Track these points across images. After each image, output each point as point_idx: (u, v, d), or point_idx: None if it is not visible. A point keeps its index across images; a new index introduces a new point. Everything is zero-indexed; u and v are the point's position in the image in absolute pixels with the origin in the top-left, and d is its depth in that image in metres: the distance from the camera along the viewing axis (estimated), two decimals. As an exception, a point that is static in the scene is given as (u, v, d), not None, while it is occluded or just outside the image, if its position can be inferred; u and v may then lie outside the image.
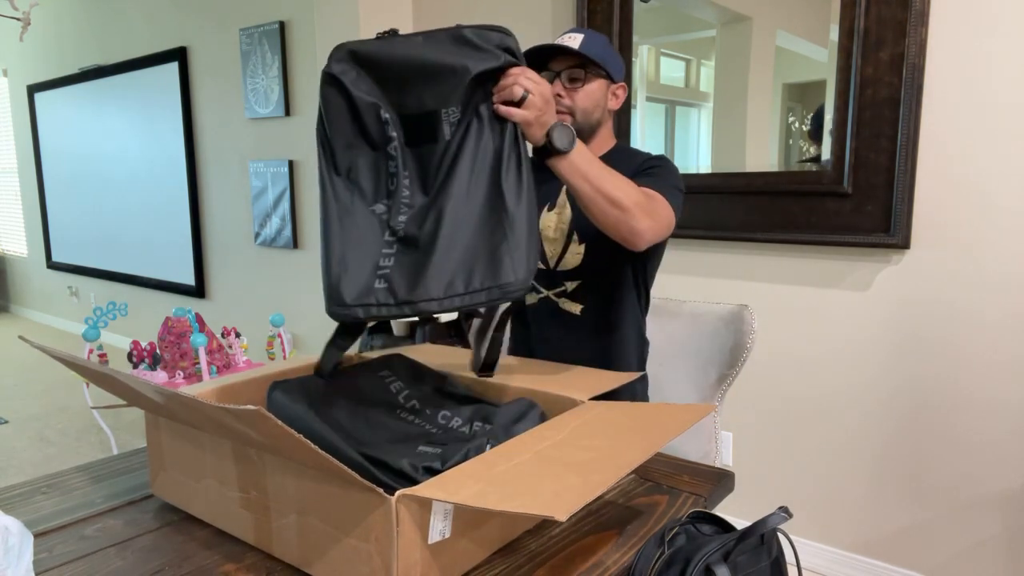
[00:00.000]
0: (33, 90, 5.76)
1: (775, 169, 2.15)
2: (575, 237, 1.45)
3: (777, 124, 2.14)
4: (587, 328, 1.48)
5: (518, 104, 1.09)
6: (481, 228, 1.06)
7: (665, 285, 2.44)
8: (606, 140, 1.52)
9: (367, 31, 2.87)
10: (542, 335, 1.53)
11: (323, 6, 2.97)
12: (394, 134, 1.12)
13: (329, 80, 1.11)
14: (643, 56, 2.40)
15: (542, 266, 1.50)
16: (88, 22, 5.01)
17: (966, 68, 1.83)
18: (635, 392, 1.53)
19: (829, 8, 2.00)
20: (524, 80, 1.09)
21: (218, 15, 3.97)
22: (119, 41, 4.77)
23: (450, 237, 1.05)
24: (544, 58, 1.42)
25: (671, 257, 2.40)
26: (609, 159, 1.46)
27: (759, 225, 2.18)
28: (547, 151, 1.16)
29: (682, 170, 2.35)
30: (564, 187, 1.48)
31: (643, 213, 1.22)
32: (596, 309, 1.48)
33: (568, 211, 1.47)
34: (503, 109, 1.09)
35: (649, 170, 1.41)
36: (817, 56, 2.04)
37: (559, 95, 1.42)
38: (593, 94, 1.43)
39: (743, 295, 2.27)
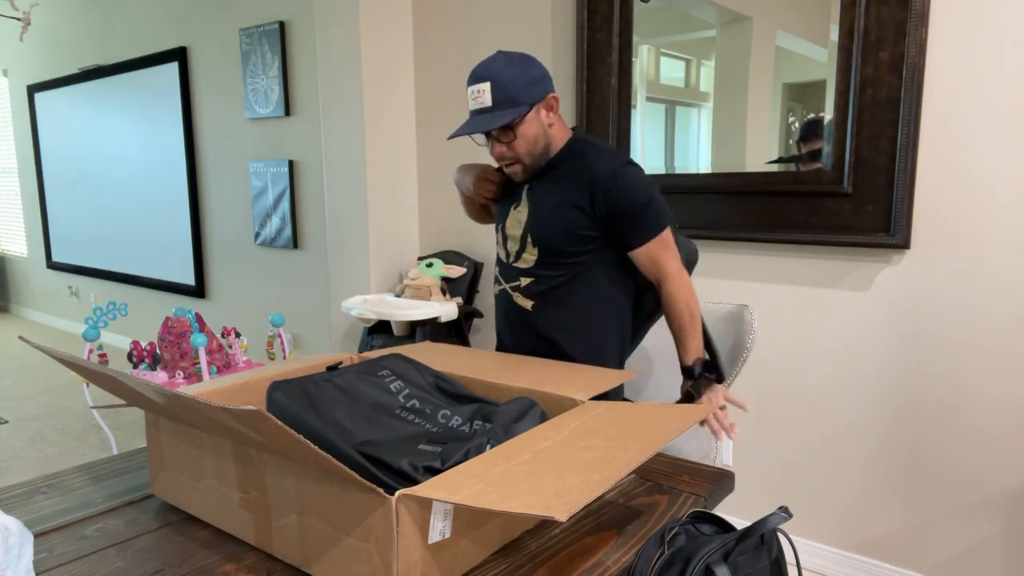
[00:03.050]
0: (33, 90, 5.76)
1: (775, 169, 2.15)
2: (530, 239, 1.50)
3: (777, 124, 2.14)
4: (536, 324, 1.52)
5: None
6: None
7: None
8: (559, 141, 1.50)
9: (367, 31, 2.87)
10: (502, 324, 1.61)
11: (323, 6, 2.97)
12: None
13: None
14: (643, 56, 2.40)
15: (504, 260, 1.57)
16: (88, 22, 5.01)
17: (966, 68, 1.83)
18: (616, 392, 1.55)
19: (829, 8, 2.00)
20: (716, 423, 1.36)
21: (218, 15, 3.97)
22: (119, 41, 4.77)
23: None
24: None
25: (671, 257, 2.40)
26: (558, 166, 1.49)
27: (759, 225, 2.18)
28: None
29: (682, 170, 2.35)
30: (525, 188, 1.54)
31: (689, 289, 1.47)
32: (544, 308, 1.51)
33: (525, 214, 1.52)
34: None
35: (636, 219, 1.43)
36: (817, 56, 2.04)
37: (502, 153, 1.45)
38: (528, 133, 1.43)
39: (743, 295, 2.27)
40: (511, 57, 1.41)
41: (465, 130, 1.41)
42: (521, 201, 1.54)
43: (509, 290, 1.55)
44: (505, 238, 1.56)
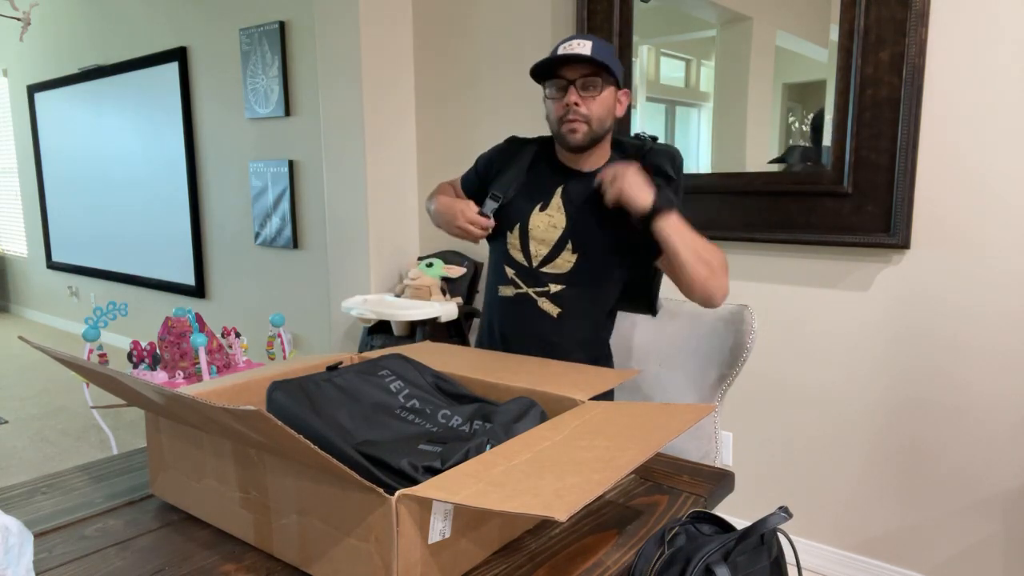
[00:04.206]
0: (33, 90, 5.76)
1: (775, 169, 2.15)
2: (569, 245, 1.47)
3: (777, 124, 2.14)
4: (560, 331, 1.50)
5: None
6: None
7: (665, 284, 2.44)
8: (605, 151, 1.53)
9: (367, 31, 2.87)
10: (512, 329, 1.55)
11: (323, 6, 2.97)
12: None
13: None
14: (643, 56, 2.40)
15: (524, 263, 1.51)
16: (88, 22, 5.01)
17: (966, 68, 1.83)
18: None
19: (829, 8, 2.00)
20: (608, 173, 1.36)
21: (218, 15, 3.97)
22: (119, 41, 4.77)
23: None
24: (555, 65, 1.41)
25: (671, 257, 2.40)
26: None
27: (759, 225, 2.18)
28: (653, 213, 1.33)
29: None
30: (558, 190, 1.50)
31: (723, 273, 1.36)
32: (574, 315, 1.49)
33: (563, 218, 1.48)
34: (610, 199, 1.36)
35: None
36: (817, 56, 2.04)
37: (575, 103, 1.41)
38: (606, 102, 1.43)
39: (743, 295, 2.27)
40: (610, 44, 1.47)
41: (566, 51, 1.38)
42: (551, 204, 1.49)
43: (534, 295, 1.50)
44: (526, 241, 1.51)
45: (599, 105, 1.42)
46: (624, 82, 1.49)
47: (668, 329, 1.73)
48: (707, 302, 1.39)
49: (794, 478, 2.23)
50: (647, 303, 1.60)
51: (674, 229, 1.33)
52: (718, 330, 1.64)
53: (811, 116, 2.08)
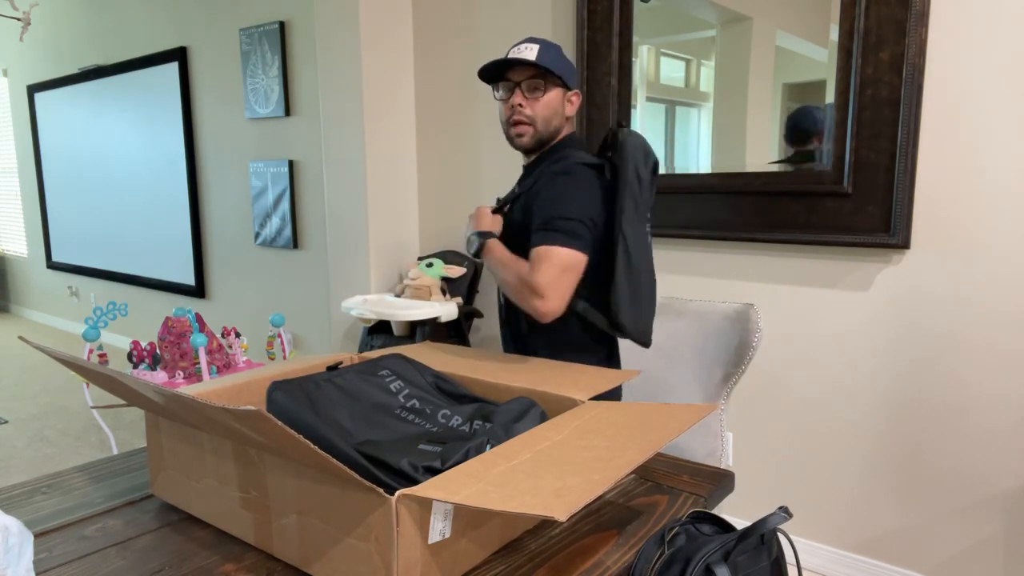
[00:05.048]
0: (33, 90, 5.76)
1: (775, 169, 2.15)
2: None
3: (777, 124, 2.14)
4: (518, 319, 1.55)
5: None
6: None
7: (666, 284, 2.44)
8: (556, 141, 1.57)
9: (367, 31, 2.87)
10: (507, 329, 1.63)
11: (323, 6, 2.97)
12: None
13: None
14: (643, 56, 2.40)
15: None
16: (88, 22, 5.01)
17: (966, 68, 1.83)
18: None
19: (829, 8, 2.00)
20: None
21: (218, 15, 3.97)
22: (119, 41, 4.77)
23: None
24: (502, 68, 1.48)
25: (671, 257, 2.41)
26: (538, 161, 1.55)
27: (759, 225, 2.18)
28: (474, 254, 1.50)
29: (682, 170, 2.35)
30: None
31: (529, 294, 1.35)
32: None
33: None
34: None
35: (541, 213, 1.41)
36: (817, 56, 2.04)
37: (520, 105, 1.47)
38: (552, 103, 1.49)
39: (743, 295, 2.27)
40: (559, 47, 1.52)
41: (509, 54, 1.45)
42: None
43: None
44: None
45: (543, 106, 1.48)
46: (577, 84, 1.56)
47: (674, 327, 1.73)
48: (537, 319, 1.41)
49: (794, 478, 2.23)
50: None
51: (488, 266, 1.46)
52: (724, 329, 1.64)
53: (783, 119, 2.08)
